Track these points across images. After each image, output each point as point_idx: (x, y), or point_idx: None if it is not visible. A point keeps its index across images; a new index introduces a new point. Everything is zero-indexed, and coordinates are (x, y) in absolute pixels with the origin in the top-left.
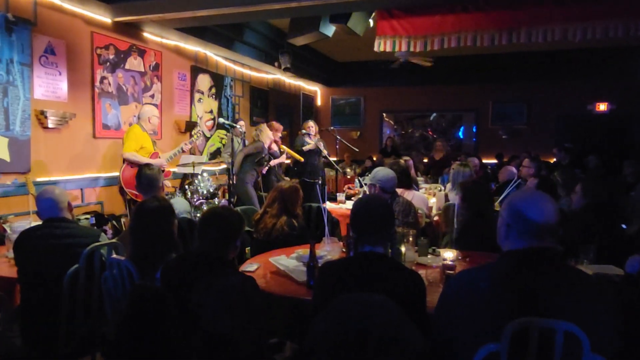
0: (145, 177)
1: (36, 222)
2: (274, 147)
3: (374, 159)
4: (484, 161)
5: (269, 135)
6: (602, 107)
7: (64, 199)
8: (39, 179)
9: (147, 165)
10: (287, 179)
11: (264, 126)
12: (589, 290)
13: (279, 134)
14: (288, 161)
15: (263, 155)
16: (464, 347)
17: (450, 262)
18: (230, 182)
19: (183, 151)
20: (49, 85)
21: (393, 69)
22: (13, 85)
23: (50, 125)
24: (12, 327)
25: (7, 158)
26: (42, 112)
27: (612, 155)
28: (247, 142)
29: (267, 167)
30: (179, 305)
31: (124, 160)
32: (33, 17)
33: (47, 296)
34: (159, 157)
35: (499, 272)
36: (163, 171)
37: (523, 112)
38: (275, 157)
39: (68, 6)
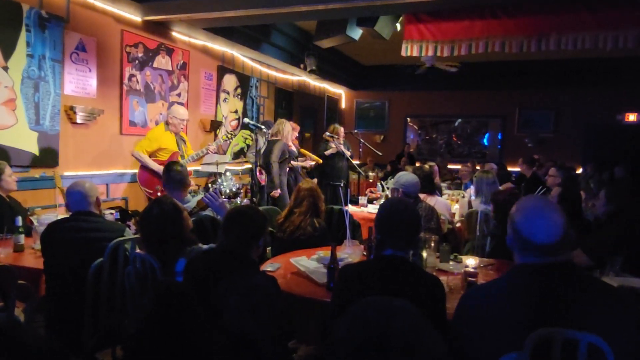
0: (175, 174)
1: (62, 215)
2: (293, 147)
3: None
4: (509, 169)
5: (289, 129)
6: (632, 117)
7: (93, 194)
8: (66, 173)
9: (176, 163)
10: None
11: (284, 120)
12: (613, 302)
13: (296, 133)
14: (312, 163)
15: (287, 156)
16: (484, 357)
17: (472, 269)
18: (253, 181)
19: (207, 152)
20: (79, 82)
21: (419, 73)
22: (44, 81)
23: (78, 121)
24: (37, 317)
25: (36, 152)
26: (72, 108)
27: None
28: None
29: (288, 167)
30: (201, 301)
31: None
32: (66, 15)
33: (71, 288)
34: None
35: (515, 284)
36: None
37: (550, 120)
38: (293, 156)
39: (100, 4)
